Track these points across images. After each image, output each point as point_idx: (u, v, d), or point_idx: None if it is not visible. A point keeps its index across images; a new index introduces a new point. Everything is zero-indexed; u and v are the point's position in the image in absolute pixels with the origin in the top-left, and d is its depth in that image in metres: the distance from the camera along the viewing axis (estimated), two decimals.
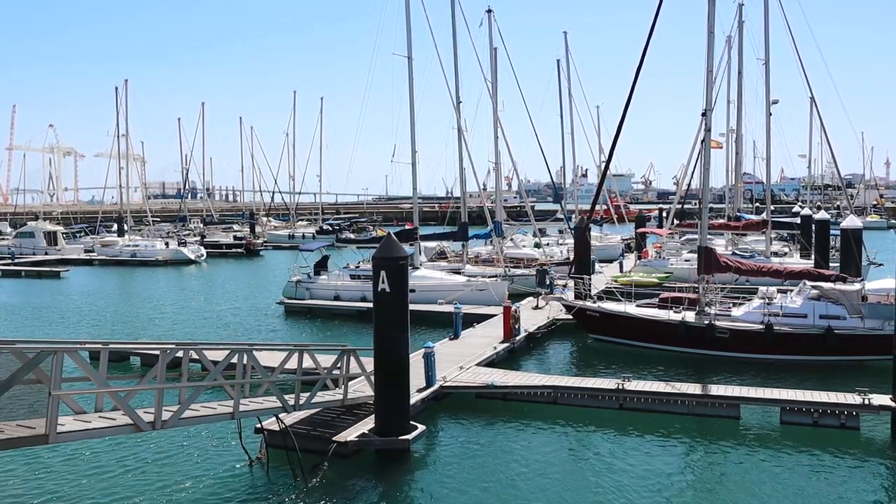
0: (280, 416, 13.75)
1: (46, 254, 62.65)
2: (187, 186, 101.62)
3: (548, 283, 26.87)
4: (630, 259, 45.16)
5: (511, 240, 47.82)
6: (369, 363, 15.02)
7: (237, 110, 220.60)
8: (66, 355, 9.96)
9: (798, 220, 44.70)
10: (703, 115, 24.46)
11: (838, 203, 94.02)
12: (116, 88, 67.52)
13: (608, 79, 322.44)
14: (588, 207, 36.38)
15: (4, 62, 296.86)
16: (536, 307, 28.14)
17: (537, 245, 45.32)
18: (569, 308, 24.86)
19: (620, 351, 23.23)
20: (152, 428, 11.09)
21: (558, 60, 58.26)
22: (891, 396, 15.36)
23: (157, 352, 12.18)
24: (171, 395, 12.83)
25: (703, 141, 24.97)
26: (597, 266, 37.60)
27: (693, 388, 17.04)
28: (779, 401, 16.10)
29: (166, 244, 62.25)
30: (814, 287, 21.96)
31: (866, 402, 15.33)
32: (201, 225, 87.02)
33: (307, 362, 14.80)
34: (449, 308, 26.03)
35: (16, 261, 57.82)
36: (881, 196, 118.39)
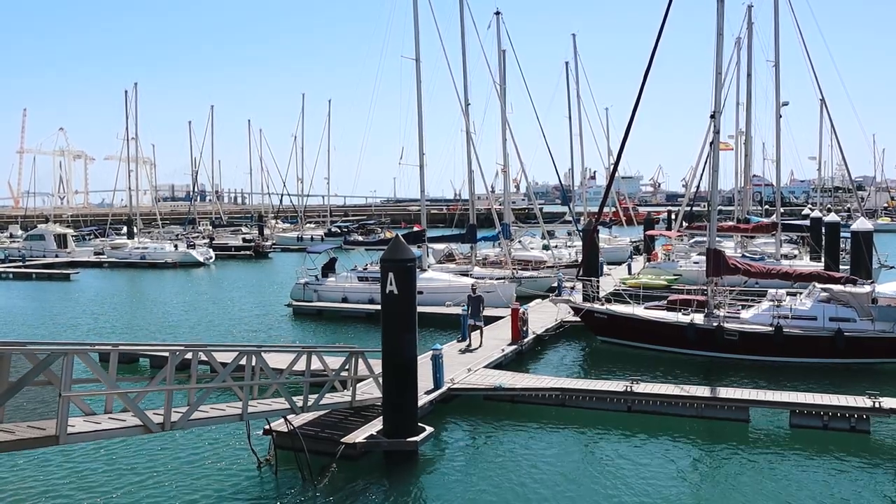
0: (288, 417, 13.80)
1: (56, 256, 62.96)
2: (196, 189, 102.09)
3: (481, 312, 23.63)
4: (638, 261, 45.07)
5: (519, 242, 47.79)
6: (377, 365, 15.03)
7: (245, 112, 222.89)
8: (76, 357, 10.00)
9: (808, 223, 44.47)
10: (712, 117, 24.41)
11: (848, 205, 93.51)
12: (126, 92, 67.97)
13: (617, 81, 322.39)
14: (596, 210, 36.31)
15: (15, 66, 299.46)
16: (468, 348, 22.11)
17: (545, 247, 45.28)
18: (577, 310, 24.81)
19: (629, 353, 23.17)
20: (162, 429, 11.14)
21: (567, 62, 58.07)
22: None
23: (167, 353, 12.25)
24: (181, 396, 12.91)
25: (711, 143, 24.89)
26: (605, 268, 37.56)
27: (702, 391, 16.98)
28: (788, 404, 16.01)
29: (175, 246, 62.53)
30: (824, 289, 21.85)
31: (877, 405, 15.24)
32: (210, 227, 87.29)
33: (315, 364, 14.85)
34: (457, 310, 26.03)
35: (26, 263, 58.19)
36: (892, 198, 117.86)
